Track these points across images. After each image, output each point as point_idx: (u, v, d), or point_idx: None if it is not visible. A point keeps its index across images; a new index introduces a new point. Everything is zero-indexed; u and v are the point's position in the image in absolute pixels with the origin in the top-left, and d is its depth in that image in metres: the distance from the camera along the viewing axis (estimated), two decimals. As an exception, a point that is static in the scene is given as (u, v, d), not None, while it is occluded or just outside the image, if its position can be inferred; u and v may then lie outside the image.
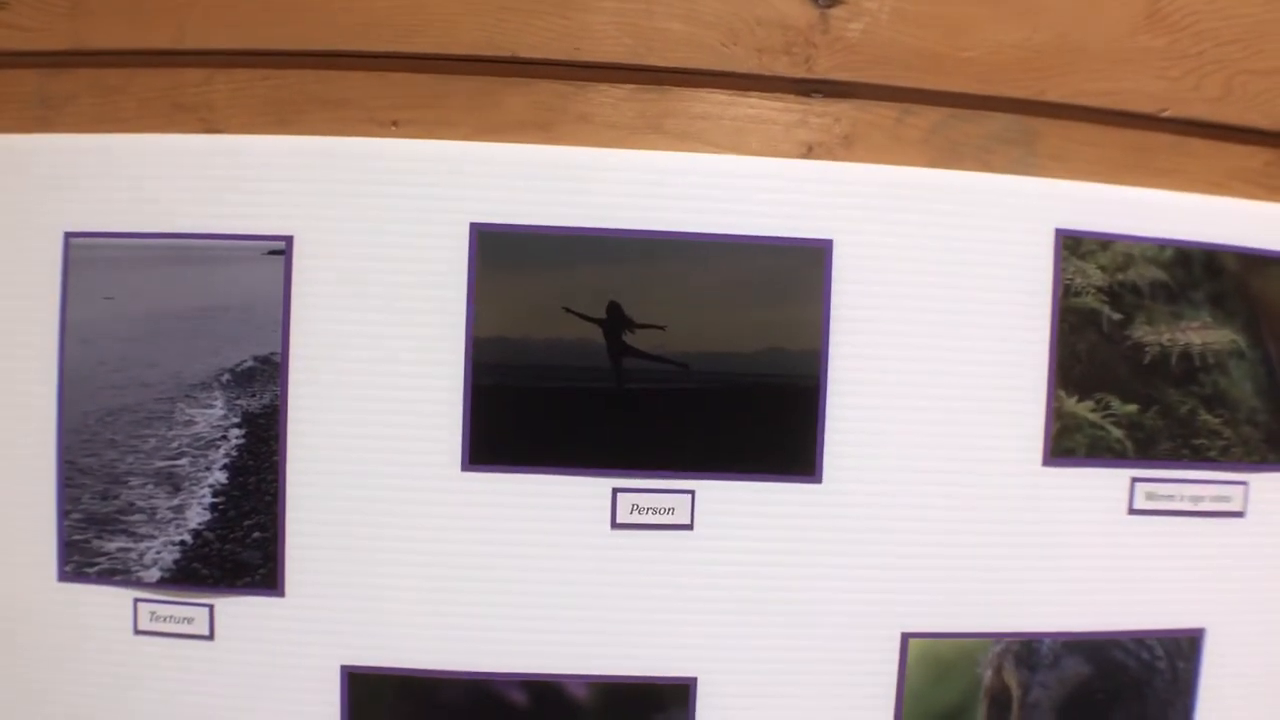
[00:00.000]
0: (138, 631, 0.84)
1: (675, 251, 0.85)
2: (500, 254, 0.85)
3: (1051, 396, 0.86)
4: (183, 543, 0.83)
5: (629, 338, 0.86)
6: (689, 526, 0.88)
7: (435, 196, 0.84)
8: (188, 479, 0.83)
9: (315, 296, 0.83)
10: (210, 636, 0.84)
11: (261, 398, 0.83)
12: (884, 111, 0.85)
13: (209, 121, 0.82)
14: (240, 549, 0.83)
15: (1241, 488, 0.88)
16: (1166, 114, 0.85)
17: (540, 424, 0.86)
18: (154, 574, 0.83)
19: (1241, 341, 0.87)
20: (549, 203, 0.85)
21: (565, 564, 0.87)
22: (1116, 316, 0.87)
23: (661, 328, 0.86)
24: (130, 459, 0.83)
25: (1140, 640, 0.88)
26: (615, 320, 0.86)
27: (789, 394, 0.87)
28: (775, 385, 0.87)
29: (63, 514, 0.84)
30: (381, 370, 0.85)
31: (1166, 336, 0.88)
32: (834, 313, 0.87)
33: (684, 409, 0.87)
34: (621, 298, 0.86)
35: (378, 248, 0.84)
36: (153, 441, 0.83)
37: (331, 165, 0.82)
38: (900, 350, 0.88)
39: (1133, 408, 0.87)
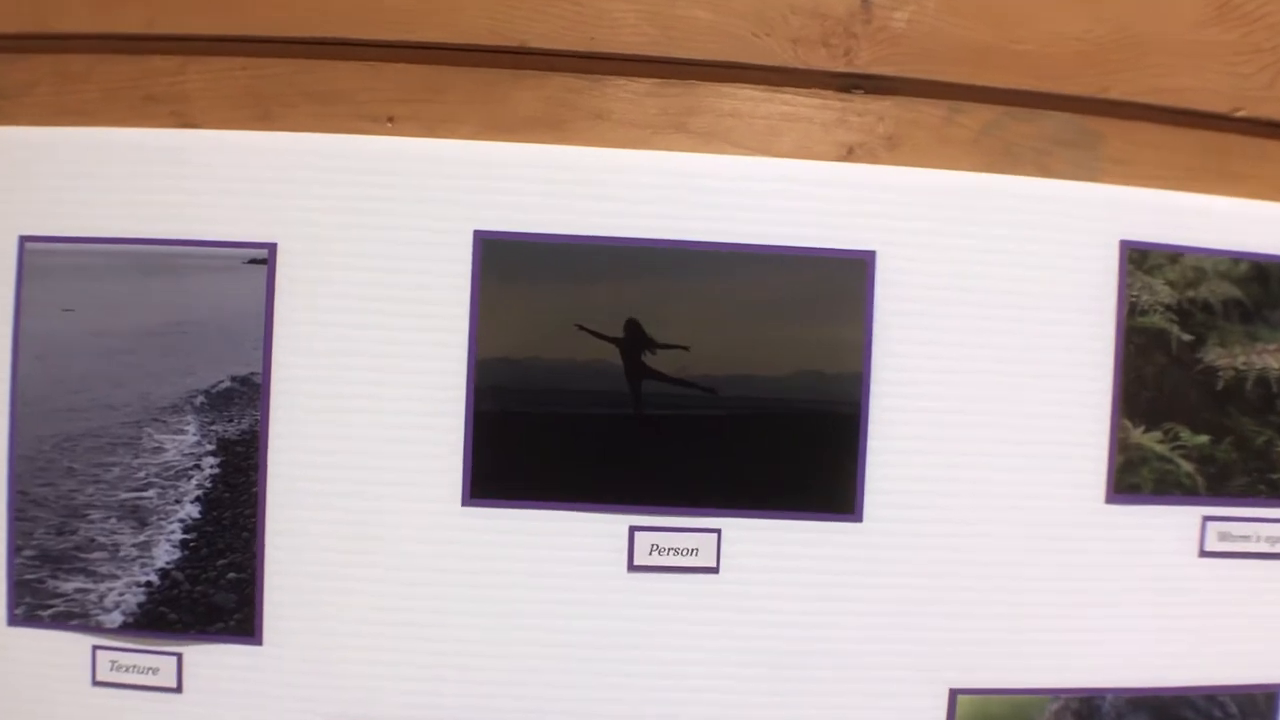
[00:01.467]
0: (96, 682, 0.79)
1: (701, 264, 0.81)
2: (506, 266, 0.81)
3: (1116, 427, 0.82)
4: (149, 584, 0.79)
5: (649, 359, 0.82)
6: (714, 569, 0.84)
7: (434, 201, 0.80)
8: (155, 513, 0.79)
9: (300, 311, 0.79)
10: (178, 689, 0.80)
11: (239, 423, 0.78)
12: (931, 110, 0.81)
13: (182, 115, 0.78)
14: (213, 591, 0.79)
15: (1324, 528, 0.77)
16: (1240, 114, 0.81)
17: (549, 454, 0.82)
18: (115, 618, 0.79)
19: (1324, 365, 0.76)
20: (560, 209, 0.81)
21: (576, 610, 0.83)
22: (1187, 338, 0.83)
23: (685, 348, 0.82)
24: (90, 490, 0.79)
25: (1212, 697, 0.83)
26: (634, 339, 0.82)
27: (826, 423, 0.83)
28: (811, 413, 0.83)
29: (13, 551, 0.79)
30: (373, 394, 0.81)
31: (1241, 360, 0.83)
32: (876, 332, 0.82)
33: (709, 438, 0.83)
34: (641, 315, 0.82)
35: (370, 258, 0.80)
36: (116, 470, 0.79)
37: (319, 165, 0.78)
38: (950, 375, 0.84)
39: (1204, 439, 0.83)
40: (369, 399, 0.81)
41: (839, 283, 0.82)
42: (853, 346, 0.83)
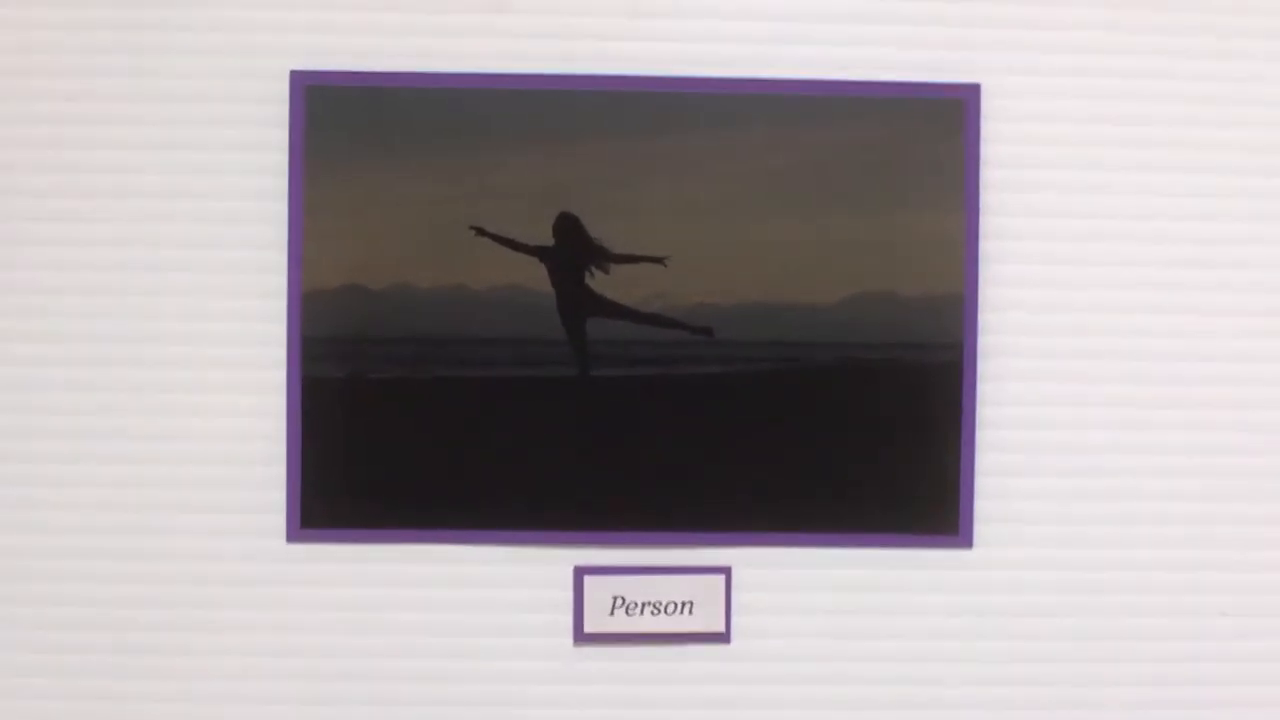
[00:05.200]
0: None
1: (684, 118, 0.70)
2: (348, 128, 0.70)
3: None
4: None
5: (598, 282, 0.69)
6: (721, 636, 0.72)
7: (228, 29, 0.70)
8: None
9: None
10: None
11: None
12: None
13: None
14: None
15: None
16: None
17: (432, 450, 0.70)
18: None
19: None
20: (438, 31, 0.70)
21: (491, 710, 0.72)
22: None
23: (660, 260, 0.70)
24: None
25: None
26: (572, 248, 0.69)
27: (906, 381, 0.71)
28: (878, 366, 0.70)
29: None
30: (126, 343, 0.71)
31: None
32: (986, 221, 0.71)
33: (705, 414, 0.71)
34: (582, 206, 0.69)
35: (116, 120, 0.71)
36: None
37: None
38: (1106, 290, 0.73)
39: None
40: (120, 349, 0.71)
41: (919, 138, 0.70)
42: (945, 247, 0.71)
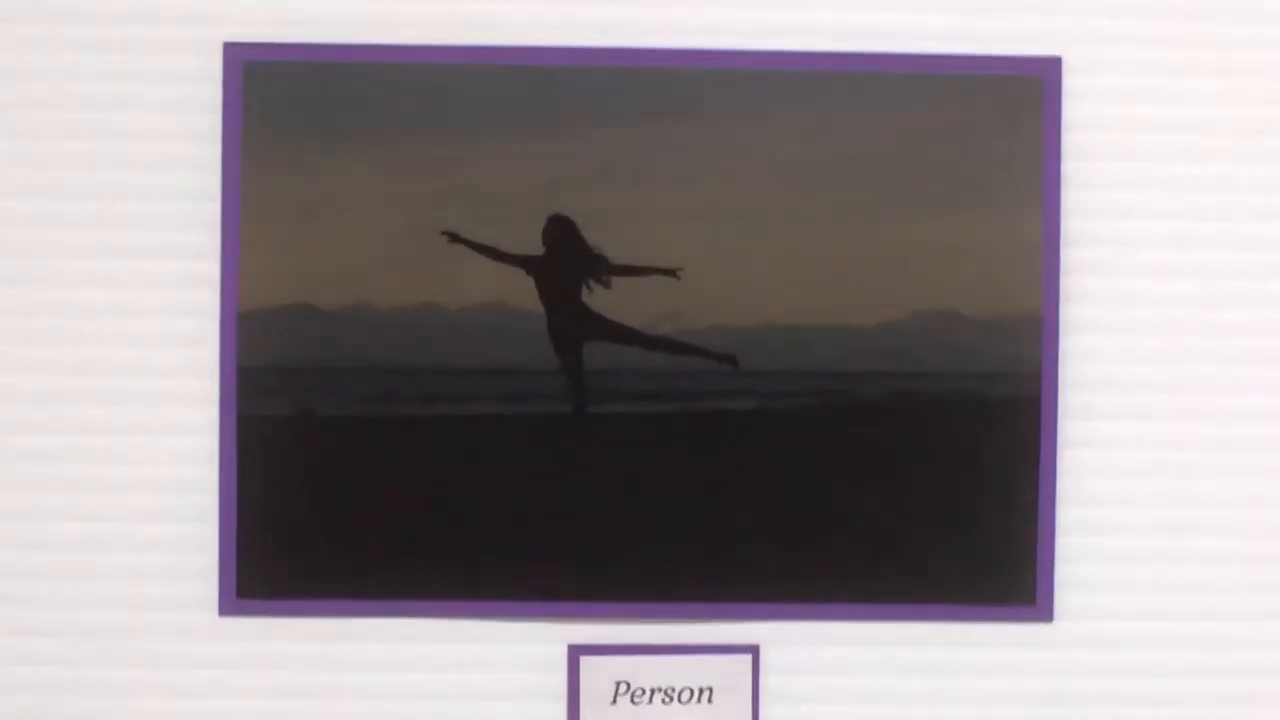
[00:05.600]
0: None
1: (701, 100, 0.64)
2: (295, 112, 0.63)
3: None
4: None
5: (596, 298, 0.63)
6: None
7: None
8: None
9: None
10: None
11: None
12: None
13: None
14: None
15: None
16: None
17: (397, 505, 0.64)
18: None
19: None
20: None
21: None
22: None
23: (673, 273, 0.63)
24: None
25: None
26: (566, 258, 0.63)
27: (969, 418, 0.64)
28: (941, 400, 0.64)
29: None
30: (22, 372, 0.64)
31: None
32: (1068, 225, 0.64)
33: (729, 459, 0.64)
34: (578, 208, 0.63)
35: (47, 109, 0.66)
36: None
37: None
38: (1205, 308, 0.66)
39: None
40: (27, 399, 0.65)
41: (985, 125, 0.64)
42: (1016, 256, 0.65)
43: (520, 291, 0.64)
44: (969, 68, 0.64)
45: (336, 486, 0.65)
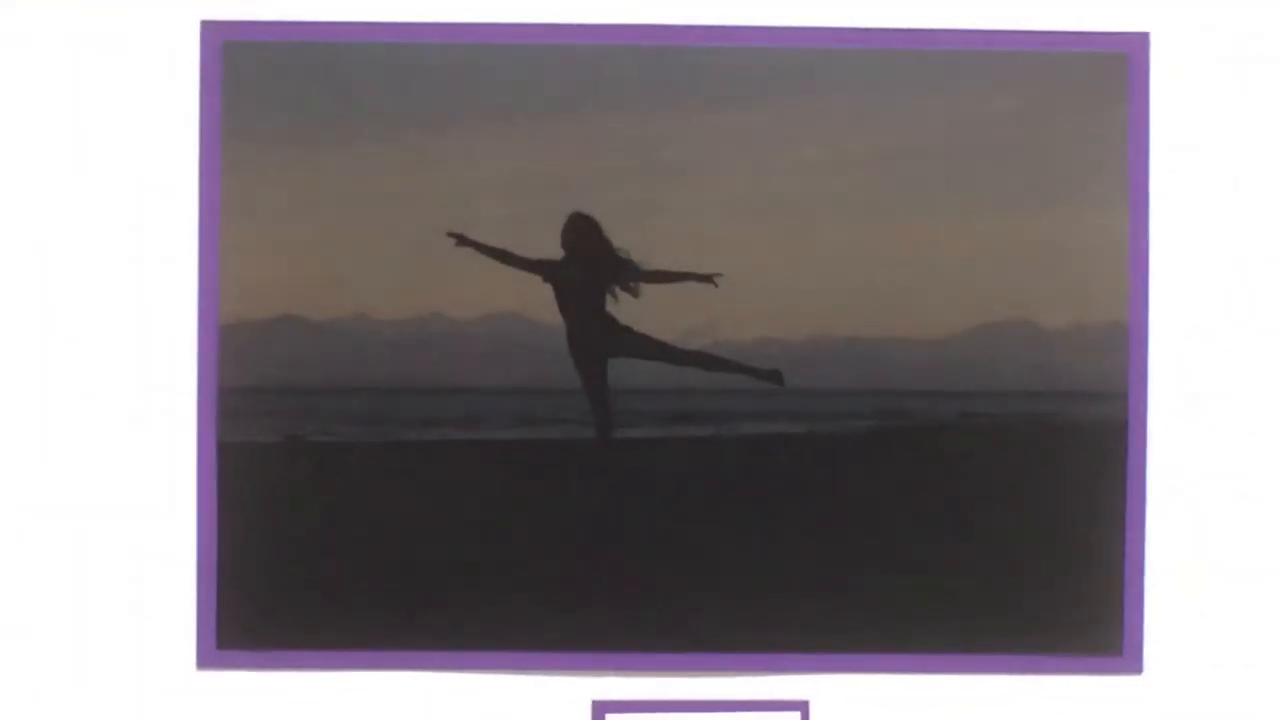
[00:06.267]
0: None
1: (741, 84, 0.59)
2: (280, 99, 0.59)
3: None
4: None
5: (623, 309, 0.59)
6: None
7: None
8: None
9: None
10: None
11: None
12: None
13: None
14: None
15: None
16: None
17: (394, 539, 0.60)
18: None
19: None
20: None
21: None
22: None
23: (710, 279, 0.58)
24: None
25: None
26: (588, 263, 0.58)
27: (1046, 443, 0.60)
28: (1009, 422, 0.60)
29: None
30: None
31: None
32: (1158, 222, 0.59)
33: (774, 491, 0.59)
34: (601, 204, 0.59)
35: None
36: None
37: None
38: None
39: None
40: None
41: (1064, 108, 0.59)
42: (1099, 258, 0.59)
43: (537, 300, 0.60)
44: (1044, 44, 0.60)
45: (328, 523, 0.59)
